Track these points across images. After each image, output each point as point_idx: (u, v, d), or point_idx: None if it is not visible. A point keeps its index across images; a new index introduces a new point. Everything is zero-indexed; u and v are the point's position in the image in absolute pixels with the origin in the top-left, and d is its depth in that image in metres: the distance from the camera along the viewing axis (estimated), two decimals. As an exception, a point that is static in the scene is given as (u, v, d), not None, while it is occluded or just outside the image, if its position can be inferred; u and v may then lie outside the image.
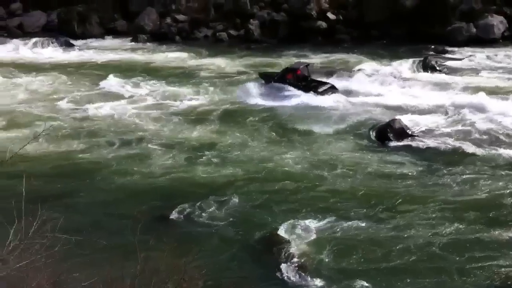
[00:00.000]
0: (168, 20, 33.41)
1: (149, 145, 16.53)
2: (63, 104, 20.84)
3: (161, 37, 32.16)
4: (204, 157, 15.51)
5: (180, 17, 33.61)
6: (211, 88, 22.51)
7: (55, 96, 21.80)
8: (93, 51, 29.88)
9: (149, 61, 27.62)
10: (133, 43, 31.80)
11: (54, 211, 7.16)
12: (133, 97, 21.70)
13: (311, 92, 20.65)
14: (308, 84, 21.38)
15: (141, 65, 26.68)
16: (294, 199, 13.03)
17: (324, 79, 21.91)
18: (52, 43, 31.18)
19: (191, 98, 21.36)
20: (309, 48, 28.53)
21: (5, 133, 17.60)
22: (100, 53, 29.46)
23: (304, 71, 21.96)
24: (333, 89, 21.03)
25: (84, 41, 32.18)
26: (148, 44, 31.52)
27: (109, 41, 32.33)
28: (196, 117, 19.35)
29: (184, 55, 28.53)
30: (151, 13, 33.74)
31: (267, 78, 22.23)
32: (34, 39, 31.66)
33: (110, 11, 34.76)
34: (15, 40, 32.12)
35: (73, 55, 29.29)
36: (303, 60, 24.91)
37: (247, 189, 13.52)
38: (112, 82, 23.27)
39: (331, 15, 31.18)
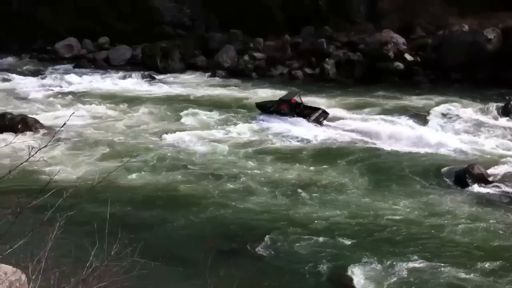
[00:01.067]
0: (246, 57, 34.30)
1: (239, 181, 16.46)
2: (149, 134, 21.51)
3: (238, 73, 32.99)
4: (297, 196, 15.30)
5: (258, 54, 34.43)
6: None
7: (142, 127, 22.59)
8: (174, 85, 30.99)
9: (226, 95, 28.25)
10: (211, 78, 32.79)
11: (134, 236, 7.40)
12: (218, 131, 21.92)
13: (304, 118, 22.12)
14: (301, 111, 22.85)
15: (218, 99, 27.33)
16: (382, 244, 12.61)
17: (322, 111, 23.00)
18: (136, 76, 32.62)
19: (277, 135, 21.22)
20: (385, 89, 28.26)
21: (95, 160, 18.36)
22: (180, 87, 30.47)
23: (297, 99, 23.39)
24: (324, 113, 22.64)
25: (165, 75, 33.50)
26: (225, 79, 32.36)
27: (188, 76, 33.45)
28: (285, 154, 19.10)
29: (260, 91, 29.01)
30: (229, 50, 34.80)
31: (263, 109, 23.58)
32: (119, 72, 33.43)
33: (191, 47, 36.22)
34: (101, 72, 34.04)
35: (155, 88, 30.37)
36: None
37: (336, 231, 13.18)
38: (192, 115, 23.97)
39: (408, 57, 30.90)
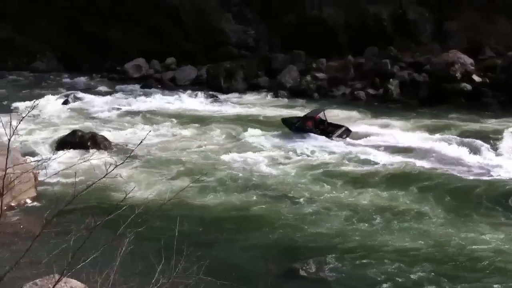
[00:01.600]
0: (308, 77, 34.37)
1: (309, 203, 16.32)
2: (215, 154, 21.81)
3: (300, 94, 33.07)
4: (370, 222, 14.93)
5: (320, 75, 34.42)
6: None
7: (208, 146, 22.94)
8: (238, 105, 31.44)
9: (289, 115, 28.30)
10: (273, 98, 33.04)
11: (201, 253, 7.51)
12: (283, 151, 21.86)
13: (328, 135, 22.85)
14: (325, 128, 23.58)
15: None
16: (466, 275, 12.06)
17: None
18: (201, 96, 33.32)
19: (344, 157, 20.86)
20: (452, 110, 27.56)
21: (165, 178, 18.83)
22: (244, 107, 30.84)
23: (321, 116, 24.17)
24: (347, 131, 23.26)
25: (228, 95, 34.01)
26: (288, 99, 32.51)
27: (251, 96, 33.81)
28: (355, 178, 18.74)
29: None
30: (292, 71, 35.00)
31: (288, 124, 24.14)
32: (184, 92, 34.27)
33: (254, 68, 36.69)
34: (168, 92, 35.00)
35: (219, 108, 30.86)
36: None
37: (413, 260, 12.71)
38: (256, 135, 24.24)
39: (476, 78, 30.04)
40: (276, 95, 33.25)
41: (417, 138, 22.93)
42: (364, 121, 26.59)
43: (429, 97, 30.13)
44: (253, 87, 35.20)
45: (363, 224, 14.84)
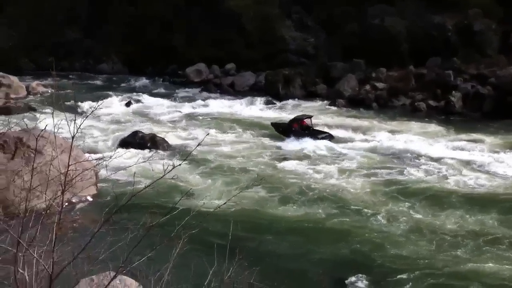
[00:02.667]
0: (367, 87, 33.95)
1: (370, 217, 15.80)
2: (273, 159, 21.89)
3: (358, 103, 32.69)
4: (451, 247, 13.89)
5: (379, 84, 33.93)
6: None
7: (265, 151, 23.07)
8: (295, 112, 31.41)
9: (346, 124, 28.06)
10: (331, 106, 32.80)
11: (253, 259, 7.49)
12: (344, 163, 21.35)
13: (312, 138, 23.83)
14: (310, 132, 24.70)
15: (338, 128, 27.23)
16: None
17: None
18: (258, 102, 33.62)
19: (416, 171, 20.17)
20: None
21: (221, 182, 18.98)
22: (299, 113, 30.77)
23: (308, 122, 25.44)
24: (330, 137, 24.48)
25: (285, 101, 34.06)
26: (345, 108, 32.18)
27: (308, 103, 33.71)
28: (431, 195, 17.73)
29: (380, 121, 28.51)
30: (351, 79, 34.67)
31: (277, 127, 25.68)
32: (243, 97, 34.61)
33: (313, 75, 36.61)
34: (226, 97, 35.49)
35: (276, 114, 30.92)
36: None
37: None
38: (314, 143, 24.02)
39: (545, 92, 28.81)
40: (333, 104, 32.99)
41: (487, 155, 22.05)
42: (445, 136, 25.79)
43: (494, 110, 29.10)
44: (311, 95, 35.10)
45: (445, 246, 13.97)
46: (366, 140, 24.54)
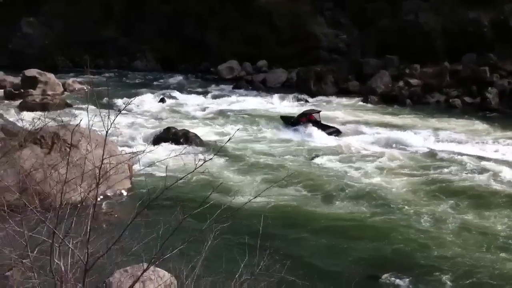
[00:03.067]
0: (401, 83, 33.54)
1: (413, 217, 15.31)
2: (303, 155, 21.78)
3: (391, 99, 32.28)
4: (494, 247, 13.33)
5: (413, 81, 33.47)
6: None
7: (296, 147, 22.97)
8: (327, 108, 31.29)
9: (378, 120, 27.82)
10: (363, 103, 32.53)
11: (284, 253, 7.49)
12: (382, 161, 20.93)
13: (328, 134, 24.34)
14: (318, 127, 24.91)
15: (370, 124, 27.01)
16: None
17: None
18: (290, 98, 33.55)
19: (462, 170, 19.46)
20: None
21: (253, 176, 19.02)
22: (332, 110, 30.62)
23: (316, 116, 25.77)
24: (337, 132, 24.86)
25: (317, 98, 33.96)
26: (378, 105, 31.87)
27: (340, 100, 33.50)
28: (476, 195, 16.98)
29: (413, 118, 28.17)
30: (384, 76, 34.29)
31: (286, 120, 26.40)
32: (274, 94, 34.60)
33: (345, 72, 36.34)
34: (258, 93, 35.61)
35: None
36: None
37: None
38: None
39: None
40: (366, 100, 32.69)
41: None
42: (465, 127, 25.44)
43: (531, 107, 28.46)
44: (343, 91, 34.85)
45: (493, 248, 13.31)
46: (403, 138, 23.95)
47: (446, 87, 32.40)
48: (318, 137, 23.89)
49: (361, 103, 32.56)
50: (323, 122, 25.77)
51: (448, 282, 11.72)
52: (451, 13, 36.08)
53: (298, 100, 33.35)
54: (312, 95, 34.39)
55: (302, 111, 26.78)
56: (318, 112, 26.35)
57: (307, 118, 25.53)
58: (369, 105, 31.97)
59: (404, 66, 34.78)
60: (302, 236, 14.20)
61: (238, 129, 22.59)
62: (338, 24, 41.04)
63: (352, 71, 36.39)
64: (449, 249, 13.26)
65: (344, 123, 26.93)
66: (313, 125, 24.96)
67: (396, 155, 21.39)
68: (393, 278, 11.88)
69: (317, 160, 21.05)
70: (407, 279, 11.83)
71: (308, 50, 39.96)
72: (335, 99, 33.64)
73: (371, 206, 16.09)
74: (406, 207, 15.85)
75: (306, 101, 33.28)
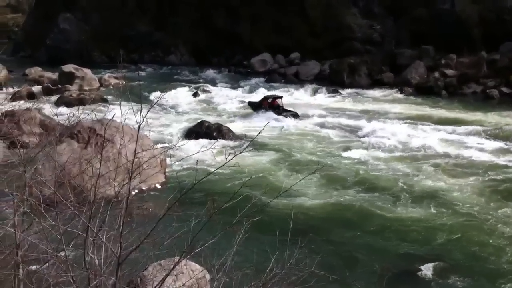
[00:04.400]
0: (436, 74, 32.97)
1: (442, 207, 15.17)
2: (334, 149, 21.58)
3: (426, 91, 31.80)
4: None
5: (449, 71, 32.88)
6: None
7: (327, 141, 22.90)
8: (359, 100, 31.03)
9: (413, 112, 27.36)
10: (398, 94, 32.10)
11: (315, 247, 7.47)
12: (411, 149, 20.79)
13: (277, 113, 26.55)
14: (279, 111, 27.05)
15: (405, 115, 26.61)
16: None
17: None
18: (323, 90, 33.38)
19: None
20: None
21: (283, 171, 18.97)
22: (365, 102, 30.42)
23: (279, 102, 27.89)
24: (295, 115, 26.78)
25: (350, 90, 33.65)
26: (413, 96, 31.40)
27: (374, 91, 33.14)
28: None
29: (449, 110, 27.64)
30: (419, 67, 33.74)
31: (251, 105, 28.27)
32: (307, 86, 34.45)
33: (379, 63, 35.89)
34: (291, 86, 35.44)
35: (340, 103, 30.64)
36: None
37: None
38: (378, 131, 23.59)
39: None
40: (401, 92, 32.26)
41: None
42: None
43: None
44: (377, 83, 34.48)
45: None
46: (447, 131, 23.38)
47: (483, 78, 31.73)
48: (276, 119, 25.59)
49: (395, 94, 32.13)
50: (287, 107, 27.56)
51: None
52: (488, 1, 35.19)
53: (331, 92, 33.08)
54: (345, 87, 34.10)
55: (264, 96, 29.01)
56: (281, 97, 28.37)
57: (270, 103, 27.47)
58: (403, 96, 31.51)
59: (440, 56, 34.15)
60: (332, 231, 14.06)
61: (268, 123, 22.50)
62: (371, 14, 40.52)
63: (386, 62, 35.91)
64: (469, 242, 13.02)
65: (394, 117, 26.27)
66: (273, 110, 26.92)
67: (452, 153, 20.44)
68: (420, 271, 11.65)
69: (347, 154, 20.75)
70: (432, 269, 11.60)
71: (341, 41, 39.63)
72: (368, 91, 33.28)
73: (426, 205, 15.49)
74: (473, 208, 15.14)
75: (339, 93, 32.99)
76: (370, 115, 26.97)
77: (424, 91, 31.81)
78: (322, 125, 25.54)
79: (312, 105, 29.82)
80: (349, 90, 33.57)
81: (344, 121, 26.08)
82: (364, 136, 23.37)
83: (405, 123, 25.10)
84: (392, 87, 33.25)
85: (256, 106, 27.79)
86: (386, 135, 22.98)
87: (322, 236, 13.33)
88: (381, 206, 15.59)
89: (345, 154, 20.89)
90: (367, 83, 34.57)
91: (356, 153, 20.76)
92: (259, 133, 6.47)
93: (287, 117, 26.32)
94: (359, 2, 40.97)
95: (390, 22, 39.66)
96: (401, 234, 13.78)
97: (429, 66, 33.82)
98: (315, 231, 12.98)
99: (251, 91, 34.68)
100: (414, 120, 25.72)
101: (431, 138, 22.31)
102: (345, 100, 31.44)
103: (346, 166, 19.22)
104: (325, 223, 14.53)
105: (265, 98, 28.07)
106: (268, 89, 34.49)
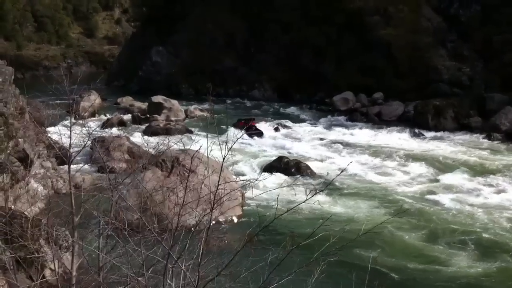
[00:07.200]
0: (529, 120, 31.44)
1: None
2: (416, 192, 21.12)
3: (517, 138, 30.34)
4: None
5: (543, 118, 31.25)
6: None
7: (409, 184, 22.38)
8: (445, 145, 30.01)
9: (501, 161, 26.13)
10: (485, 140, 30.79)
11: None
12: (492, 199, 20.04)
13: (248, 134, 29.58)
14: (252, 131, 30.54)
15: (491, 164, 25.42)
16: None
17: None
18: (406, 132, 32.48)
19: None
20: None
21: (363, 210, 18.73)
22: (451, 147, 29.35)
23: (255, 123, 32.45)
24: (260, 134, 31.37)
25: (435, 133, 32.68)
26: (502, 143, 29.97)
27: (460, 136, 32.01)
28: None
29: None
30: (509, 113, 32.31)
31: (235, 125, 30.14)
32: (389, 127, 33.76)
33: (466, 107, 34.65)
34: (373, 126, 34.95)
35: (424, 145, 29.82)
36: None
37: None
38: (460, 178, 22.79)
39: None
40: (489, 138, 30.92)
41: None
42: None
43: None
44: (463, 127, 33.28)
45: None
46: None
47: None
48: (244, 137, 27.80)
49: (482, 140, 30.84)
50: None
51: None
52: None
53: (415, 135, 32.25)
54: (430, 129, 33.16)
55: (239, 118, 33.62)
56: (253, 119, 33.88)
57: (248, 124, 30.40)
58: (491, 142, 30.17)
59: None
60: (414, 274, 13.55)
61: (351, 162, 22.29)
62: (460, 56, 39.55)
63: (474, 106, 34.61)
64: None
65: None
66: (246, 130, 28.45)
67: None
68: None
69: (436, 197, 20.13)
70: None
71: (428, 83, 38.83)
72: (454, 135, 32.18)
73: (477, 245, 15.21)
74: None
75: (424, 135, 32.09)
76: (454, 160, 25.93)
77: (515, 137, 30.31)
78: (407, 167, 24.91)
79: (394, 146, 29.22)
80: (433, 133, 32.62)
81: (429, 164, 25.17)
82: (446, 181, 22.50)
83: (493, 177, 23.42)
84: (481, 132, 31.93)
85: (233, 126, 29.92)
86: (466, 184, 22.05)
87: (404, 280, 12.82)
88: (471, 254, 14.87)
89: (429, 197, 20.29)
90: (453, 127, 33.45)
91: (444, 198, 20.06)
92: (341, 172, 6.43)
93: (252, 137, 30.23)
94: (448, 44, 40.13)
95: (480, 65, 38.50)
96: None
97: (521, 112, 32.29)
98: (395, 274, 12.53)
99: (331, 128, 34.56)
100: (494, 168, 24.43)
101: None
102: (429, 142, 30.53)
103: (430, 210, 18.63)
104: (408, 266, 14.02)
105: (240, 120, 32.57)
106: (348, 127, 34.27)
